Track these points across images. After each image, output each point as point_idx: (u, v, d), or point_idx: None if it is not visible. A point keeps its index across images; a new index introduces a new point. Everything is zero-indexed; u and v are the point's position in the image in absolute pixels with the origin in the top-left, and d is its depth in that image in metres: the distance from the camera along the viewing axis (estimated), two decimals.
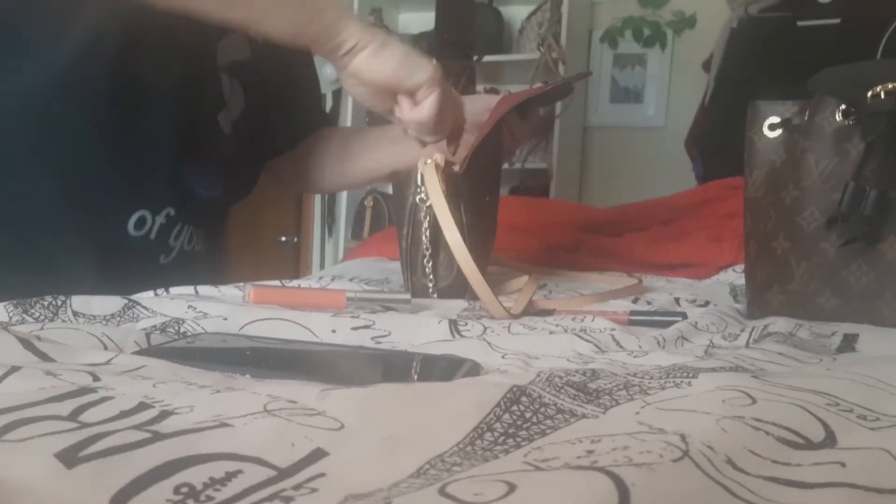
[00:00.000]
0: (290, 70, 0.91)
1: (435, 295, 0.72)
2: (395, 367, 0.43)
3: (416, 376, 0.40)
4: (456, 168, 0.71)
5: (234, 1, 0.63)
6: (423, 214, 0.71)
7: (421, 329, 0.53)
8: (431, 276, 0.73)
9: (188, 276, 0.70)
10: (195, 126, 0.78)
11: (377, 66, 0.65)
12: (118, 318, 0.53)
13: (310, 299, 0.63)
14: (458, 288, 0.70)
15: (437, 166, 0.69)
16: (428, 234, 0.71)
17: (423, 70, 0.65)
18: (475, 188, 0.73)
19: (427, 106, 0.66)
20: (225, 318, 0.54)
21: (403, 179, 0.74)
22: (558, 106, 2.54)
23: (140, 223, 0.74)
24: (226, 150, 0.82)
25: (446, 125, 0.69)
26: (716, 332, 0.57)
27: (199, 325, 0.52)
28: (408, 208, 0.73)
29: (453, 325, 0.56)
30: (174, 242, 0.78)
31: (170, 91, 0.74)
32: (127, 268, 0.71)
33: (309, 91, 0.99)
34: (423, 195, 0.70)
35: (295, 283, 0.77)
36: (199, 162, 0.79)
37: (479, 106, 0.79)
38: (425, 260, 0.72)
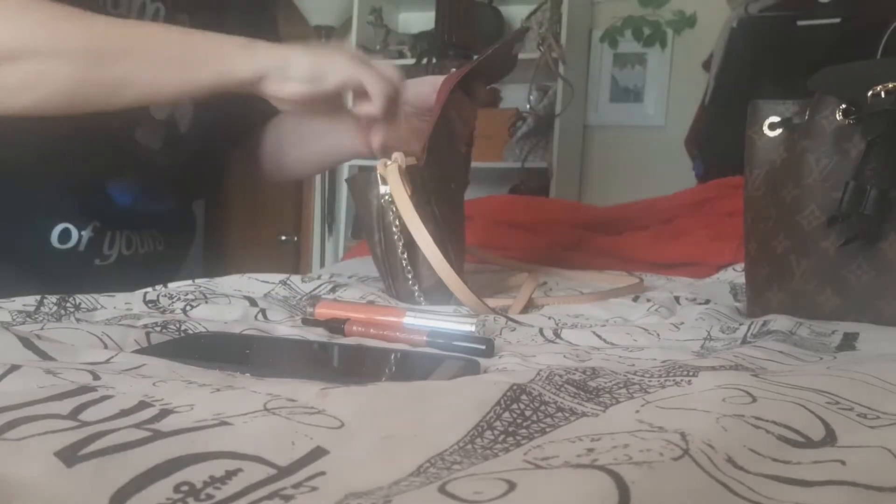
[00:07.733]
0: None
1: (422, 298, 0.70)
2: (395, 365, 0.43)
3: (416, 374, 0.40)
4: (415, 161, 0.68)
5: (116, 92, 0.62)
6: (391, 217, 0.68)
7: None
8: (413, 279, 0.69)
9: (130, 278, 0.69)
10: (113, 146, 0.75)
11: (288, 88, 0.64)
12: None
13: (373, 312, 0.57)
14: (444, 287, 0.66)
15: (399, 168, 0.66)
16: (401, 235, 0.68)
17: (336, 69, 0.64)
18: (439, 177, 0.70)
19: (375, 97, 0.65)
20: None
21: (362, 184, 0.70)
22: (558, 105, 2.54)
23: (64, 236, 0.74)
24: (159, 165, 0.80)
25: (398, 111, 0.68)
26: (714, 325, 0.57)
27: (199, 324, 0.52)
28: (374, 213, 0.70)
29: None
30: (109, 251, 0.78)
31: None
32: (58, 277, 0.68)
33: None
34: (387, 196, 0.67)
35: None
36: (129, 180, 0.78)
37: (426, 88, 0.76)
38: (404, 262, 0.69)
